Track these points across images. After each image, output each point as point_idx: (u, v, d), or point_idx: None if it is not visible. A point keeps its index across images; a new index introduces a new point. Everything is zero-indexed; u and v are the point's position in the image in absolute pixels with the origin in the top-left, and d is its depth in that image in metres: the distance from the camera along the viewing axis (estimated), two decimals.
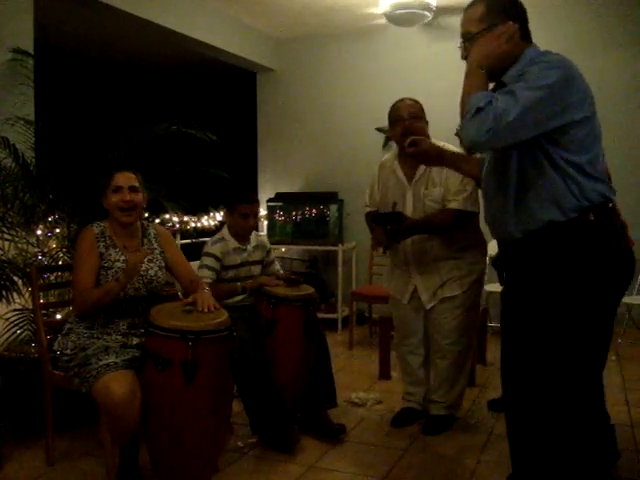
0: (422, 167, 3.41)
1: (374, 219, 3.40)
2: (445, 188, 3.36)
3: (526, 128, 2.08)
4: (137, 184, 2.97)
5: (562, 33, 5.64)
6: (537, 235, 2.21)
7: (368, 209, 3.72)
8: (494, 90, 2.27)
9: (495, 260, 2.53)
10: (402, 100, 3.50)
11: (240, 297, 3.65)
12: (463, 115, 2.18)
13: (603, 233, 2.18)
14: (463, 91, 2.22)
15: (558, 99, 2.08)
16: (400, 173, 3.50)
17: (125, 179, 2.93)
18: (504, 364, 2.44)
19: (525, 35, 2.30)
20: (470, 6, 2.34)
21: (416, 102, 3.48)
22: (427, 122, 3.50)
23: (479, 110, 2.06)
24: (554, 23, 5.70)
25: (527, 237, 2.23)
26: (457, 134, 2.26)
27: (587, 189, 2.15)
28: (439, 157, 2.91)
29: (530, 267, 2.24)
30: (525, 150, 2.19)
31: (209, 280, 3.47)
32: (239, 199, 3.68)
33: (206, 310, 2.75)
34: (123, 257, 2.92)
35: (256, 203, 3.76)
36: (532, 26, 2.35)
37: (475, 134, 2.09)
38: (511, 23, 2.24)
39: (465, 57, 2.33)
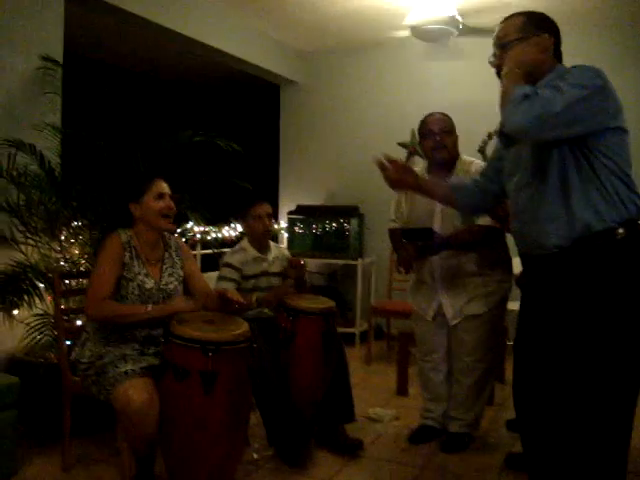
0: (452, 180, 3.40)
1: (403, 234, 3.38)
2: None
3: (571, 122, 2.08)
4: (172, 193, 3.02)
5: (572, 54, 5.63)
6: (573, 245, 2.16)
7: (393, 224, 3.70)
8: None
9: (520, 278, 2.50)
10: (432, 114, 3.51)
11: (258, 310, 3.65)
12: (504, 108, 2.18)
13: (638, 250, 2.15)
14: (502, 89, 2.23)
15: (598, 101, 2.09)
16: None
17: (165, 187, 2.99)
18: (519, 386, 2.39)
19: (557, 53, 2.35)
20: (509, 17, 2.41)
21: (446, 116, 3.49)
22: (457, 136, 3.49)
23: (526, 97, 2.07)
24: (569, 45, 5.69)
25: (562, 247, 2.18)
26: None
27: (625, 197, 2.14)
28: (415, 184, 2.90)
29: (563, 282, 2.19)
30: (566, 153, 2.17)
31: None
32: (249, 202, 3.78)
33: (235, 298, 2.81)
34: (144, 270, 2.91)
35: (266, 203, 3.82)
36: None
37: (522, 120, 2.08)
38: (547, 35, 2.29)
39: (496, 65, 2.37)
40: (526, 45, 2.27)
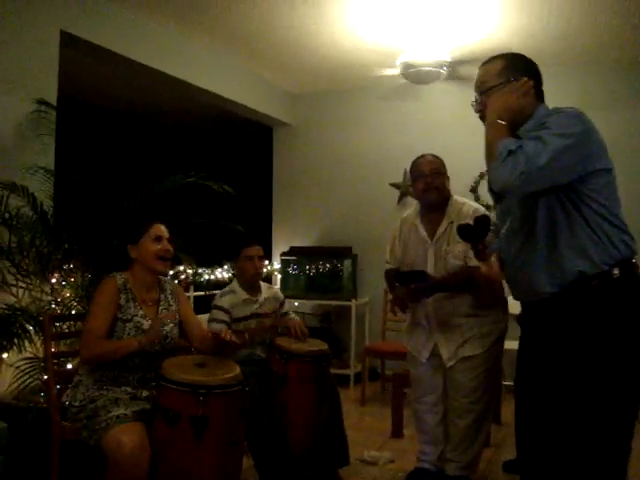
0: (444, 223, 3.41)
1: (396, 278, 3.38)
2: (467, 245, 3.34)
3: (556, 173, 2.08)
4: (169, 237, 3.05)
5: (566, 93, 5.70)
6: (567, 290, 2.15)
7: (388, 266, 3.71)
8: None
9: (520, 317, 2.47)
10: (423, 156, 3.53)
11: (250, 351, 3.62)
12: (490, 164, 2.17)
13: (634, 289, 2.14)
14: (486, 142, 2.22)
15: (583, 146, 2.10)
16: (422, 229, 3.49)
17: (164, 230, 3.03)
18: (521, 427, 2.37)
19: (539, 94, 2.36)
20: (489, 61, 2.42)
21: (437, 158, 3.51)
22: (448, 178, 3.51)
23: (510, 153, 2.06)
24: (560, 84, 5.77)
25: (557, 293, 2.18)
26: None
27: (615, 239, 2.13)
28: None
29: (561, 326, 2.18)
30: (552, 199, 2.17)
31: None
32: (241, 244, 3.77)
33: (229, 338, 2.86)
34: (141, 312, 2.92)
35: (256, 245, 3.80)
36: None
37: (508, 177, 2.07)
38: (526, 79, 2.29)
39: (479, 110, 2.39)
40: (506, 92, 2.28)
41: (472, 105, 2.44)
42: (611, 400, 2.10)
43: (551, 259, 2.18)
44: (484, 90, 2.37)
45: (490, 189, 2.30)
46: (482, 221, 2.51)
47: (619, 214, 2.19)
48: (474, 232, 2.60)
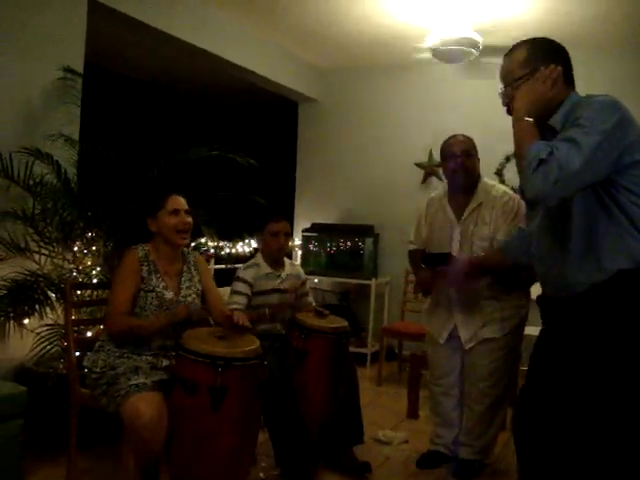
0: (473, 204, 3.38)
1: (423, 260, 3.35)
2: (495, 227, 3.30)
3: (592, 174, 1.98)
4: (188, 208, 3.03)
5: (602, 78, 5.59)
6: (603, 287, 2.04)
7: (412, 246, 3.69)
8: (542, 135, 2.16)
9: (543, 309, 2.37)
10: (455, 136, 3.48)
11: (270, 326, 3.62)
12: (521, 167, 2.07)
13: None
14: (515, 142, 2.13)
15: (618, 140, 1.99)
16: (449, 210, 3.46)
17: (181, 202, 3.02)
18: (523, 410, 2.27)
19: (569, 80, 2.23)
20: (512, 51, 2.29)
21: (469, 138, 3.46)
22: (479, 159, 3.46)
23: (542, 162, 1.95)
24: (596, 67, 5.67)
25: (593, 290, 2.06)
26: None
27: None
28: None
29: (593, 323, 2.05)
30: (588, 194, 2.07)
31: (239, 306, 3.45)
32: (268, 218, 3.75)
33: (241, 323, 2.80)
34: (163, 283, 2.93)
35: (285, 222, 3.78)
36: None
37: (542, 186, 1.97)
38: (554, 66, 2.16)
39: (506, 104, 2.27)
40: (533, 83, 2.16)
41: (499, 95, 2.32)
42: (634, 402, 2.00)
43: (588, 255, 2.08)
44: (510, 82, 2.25)
45: (522, 195, 2.20)
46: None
47: None
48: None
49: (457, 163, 3.38)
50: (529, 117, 2.12)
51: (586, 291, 2.07)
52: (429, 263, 3.33)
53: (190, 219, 3.02)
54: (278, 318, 3.65)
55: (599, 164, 1.97)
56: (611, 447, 2.00)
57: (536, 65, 2.18)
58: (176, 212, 2.98)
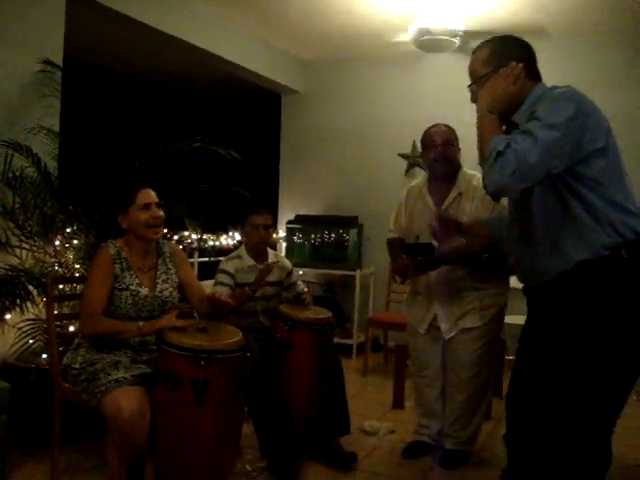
0: (453, 194, 3.38)
1: (403, 250, 3.35)
2: (475, 217, 3.30)
3: (549, 166, 2.03)
4: (159, 200, 2.97)
5: (579, 66, 5.61)
6: (567, 276, 2.11)
7: (391, 235, 3.69)
8: (507, 131, 2.25)
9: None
10: (436, 125, 3.49)
11: (254, 319, 3.61)
12: (482, 162, 2.13)
13: (637, 271, 2.08)
14: (478, 137, 2.19)
15: (575, 132, 2.04)
16: (429, 199, 3.46)
17: (151, 196, 2.94)
18: (512, 397, 2.36)
19: (533, 74, 2.29)
20: (476, 50, 2.37)
21: (450, 128, 3.47)
22: (459, 149, 3.47)
23: (500, 154, 2.02)
24: (573, 56, 5.70)
25: (557, 279, 2.14)
26: (481, 163, 2.20)
27: (617, 222, 2.07)
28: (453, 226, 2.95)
29: (559, 309, 2.15)
30: (547, 187, 2.13)
31: None
32: (250, 211, 3.73)
33: (223, 298, 2.84)
34: (137, 280, 2.88)
35: (266, 214, 3.76)
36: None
37: (499, 178, 2.03)
38: (515, 63, 2.22)
39: (474, 100, 2.32)
40: (495, 80, 2.22)
41: (469, 91, 2.39)
42: (603, 381, 2.09)
43: (552, 245, 2.15)
44: (475, 80, 2.33)
45: (485, 190, 2.26)
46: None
47: (627, 195, 2.12)
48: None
49: (437, 152, 3.38)
50: (492, 113, 2.18)
51: (552, 279, 2.16)
52: (410, 253, 3.32)
53: (161, 212, 2.94)
54: (264, 307, 3.65)
55: (555, 156, 2.02)
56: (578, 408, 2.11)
57: (498, 63, 2.26)
58: (147, 206, 2.89)
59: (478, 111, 2.23)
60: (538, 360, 2.21)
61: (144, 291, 2.88)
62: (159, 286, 2.94)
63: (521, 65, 2.22)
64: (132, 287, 2.85)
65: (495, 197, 2.29)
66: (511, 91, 2.21)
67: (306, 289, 3.93)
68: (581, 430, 2.11)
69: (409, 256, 3.33)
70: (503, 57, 2.26)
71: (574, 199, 2.10)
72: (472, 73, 2.36)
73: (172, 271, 3.04)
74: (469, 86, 2.37)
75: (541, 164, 2.00)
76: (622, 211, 2.09)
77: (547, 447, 2.17)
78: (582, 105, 2.08)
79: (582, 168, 2.08)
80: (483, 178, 2.16)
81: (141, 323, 2.76)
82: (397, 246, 3.55)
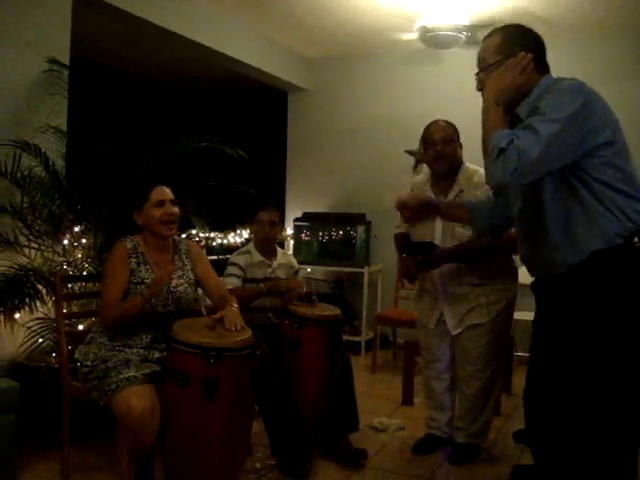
0: (454, 191, 3.37)
1: (404, 250, 3.35)
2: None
3: (552, 161, 2.05)
4: (174, 198, 2.99)
5: (588, 62, 5.58)
6: (581, 267, 2.11)
7: (398, 230, 3.68)
8: (511, 121, 2.25)
9: (534, 290, 2.42)
10: (435, 122, 3.47)
11: (263, 314, 3.62)
12: (486, 155, 2.14)
13: None
14: (483, 129, 2.19)
15: (579, 127, 2.04)
16: (432, 196, 3.44)
17: (166, 193, 2.97)
18: (531, 396, 2.35)
19: (541, 66, 2.28)
20: (487, 37, 2.36)
21: (450, 124, 3.45)
22: (460, 145, 3.45)
23: (502, 151, 2.02)
24: (582, 51, 5.67)
25: (570, 270, 2.14)
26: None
27: (627, 209, 2.08)
28: (432, 209, 2.95)
29: (574, 302, 2.14)
30: (556, 179, 2.13)
31: (235, 287, 3.53)
32: (257, 207, 3.80)
33: (233, 329, 2.71)
34: (153, 275, 2.89)
35: (272, 211, 3.81)
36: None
37: (501, 175, 2.05)
38: (524, 53, 2.21)
39: (480, 89, 2.32)
40: (503, 70, 2.22)
41: (475, 79, 2.38)
42: (622, 374, 2.07)
43: (564, 238, 2.15)
44: (483, 68, 2.32)
45: (487, 183, 2.25)
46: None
47: (632, 186, 2.12)
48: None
49: (436, 150, 3.37)
50: (497, 105, 2.18)
51: (565, 272, 2.16)
52: (410, 252, 3.32)
53: (176, 209, 2.97)
54: (273, 304, 3.66)
55: (558, 151, 2.03)
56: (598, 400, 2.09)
57: (508, 52, 2.25)
58: (161, 203, 2.92)
59: (484, 101, 2.22)
60: (555, 356, 2.20)
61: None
62: (174, 281, 2.94)
63: (530, 56, 2.21)
64: (148, 281, 2.86)
65: (497, 191, 2.29)
66: (518, 83, 2.20)
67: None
68: (604, 428, 2.08)
69: (409, 256, 3.33)
70: (514, 46, 2.24)
71: (583, 188, 2.10)
72: (482, 61, 2.34)
73: (188, 267, 3.05)
74: (477, 74, 2.36)
75: (543, 160, 2.01)
76: (631, 198, 2.10)
77: (570, 446, 2.14)
78: (588, 99, 2.07)
79: (589, 160, 2.08)
80: (485, 172, 2.17)
81: (145, 291, 2.76)
82: (403, 241, 3.55)
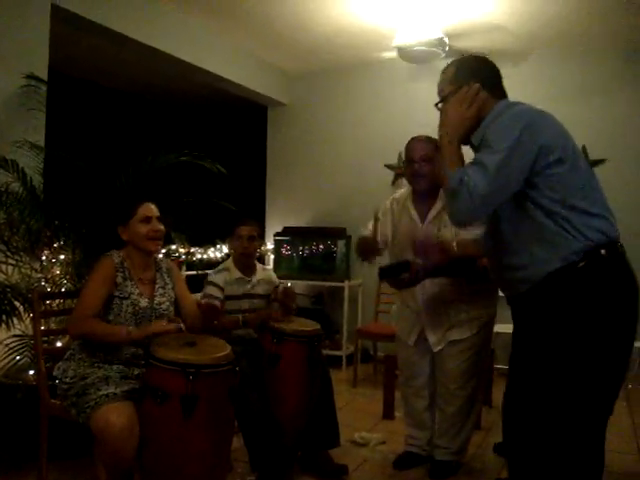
0: (436, 207, 3.34)
1: (380, 274, 3.20)
2: (456, 231, 3.22)
3: (502, 191, 2.11)
4: (159, 215, 3.00)
5: (564, 76, 5.64)
6: (540, 287, 2.15)
7: (366, 232, 3.47)
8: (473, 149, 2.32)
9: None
10: (416, 139, 3.39)
11: (243, 330, 3.60)
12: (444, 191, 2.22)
13: (610, 276, 2.11)
14: (439, 167, 2.28)
15: (522, 152, 2.08)
16: (413, 212, 3.43)
17: (152, 210, 2.98)
18: (508, 407, 2.37)
19: (497, 92, 2.34)
20: (445, 69, 2.44)
21: (430, 142, 3.30)
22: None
23: (454, 192, 2.10)
24: (557, 66, 5.73)
25: (532, 290, 2.18)
26: None
27: (582, 227, 2.10)
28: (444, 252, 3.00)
29: (539, 318, 2.18)
30: (511, 201, 2.17)
31: None
32: (235, 222, 3.77)
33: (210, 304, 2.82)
34: (137, 290, 2.89)
35: (251, 226, 3.78)
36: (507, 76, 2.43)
37: (457, 215, 2.16)
38: (467, 87, 2.27)
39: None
40: (453, 103, 2.28)
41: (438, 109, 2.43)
42: (591, 377, 2.11)
43: (522, 257, 2.19)
44: (441, 99, 2.39)
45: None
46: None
47: (591, 198, 2.14)
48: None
49: (414, 169, 3.33)
50: (451, 144, 2.23)
51: (527, 291, 2.21)
52: (387, 275, 3.21)
53: (162, 226, 2.98)
54: (251, 325, 3.63)
55: (507, 180, 2.09)
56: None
57: (460, 83, 2.31)
58: (147, 220, 2.93)
59: (439, 140, 2.29)
60: (529, 368, 2.22)
61: (143, 302, 2.89)
62: (157, 299, 2.95)
63: (477, 85, 2.27)
64: (133, 296, 2.86)
65: (459, 227, 2.35)
66: (467, 116, 2.26)
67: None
68: (575, 433, 2.12)
69: (386, 278, 3.29)
70: (466, 76, 2.31)
71: (537, 209, 2.14)
72: (439, 91, 2.41)
73: (169, 286, 3.06)
74: (436, 105, 2.41)
75: (494, 193, 2.08)
76: (586, 215, 2.12)
77: (544, 454, 2.16)
78: (529, 122, 2.12)
79: (539, 179, 2.12)
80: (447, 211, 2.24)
81: (131, 328, 2.75)
82: (378, 272, 3.26)
